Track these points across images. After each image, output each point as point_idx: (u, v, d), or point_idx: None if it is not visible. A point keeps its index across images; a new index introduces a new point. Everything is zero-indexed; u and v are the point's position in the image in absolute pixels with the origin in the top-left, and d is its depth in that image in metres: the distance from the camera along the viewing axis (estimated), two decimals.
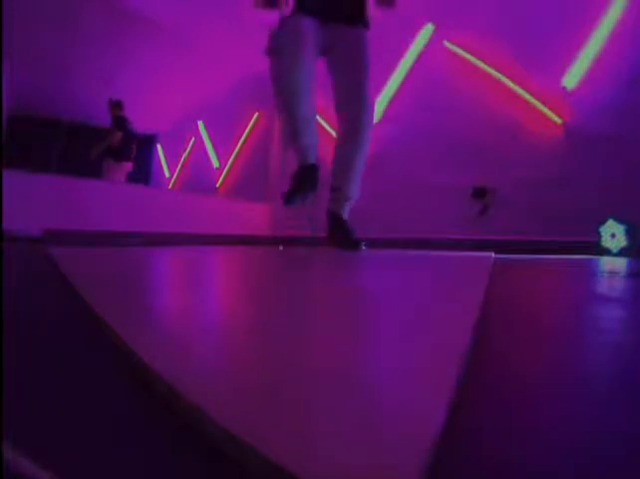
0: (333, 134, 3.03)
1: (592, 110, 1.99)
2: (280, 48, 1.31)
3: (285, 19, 1.37)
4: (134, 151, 3.67)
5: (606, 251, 1.74)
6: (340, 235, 1.45)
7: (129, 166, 3.61)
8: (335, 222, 1.48)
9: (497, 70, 2.34)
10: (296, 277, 0.65)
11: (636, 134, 1.83)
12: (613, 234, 1.73)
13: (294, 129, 1.34)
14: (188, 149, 5.43)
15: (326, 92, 1.48)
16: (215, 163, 4.71)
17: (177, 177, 5.68)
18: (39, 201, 2.29)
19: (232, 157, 4.44)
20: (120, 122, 3.52)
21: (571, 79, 2.07)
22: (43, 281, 0.59)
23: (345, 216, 1.49)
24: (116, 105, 3.57)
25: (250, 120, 4.24)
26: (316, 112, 1.41)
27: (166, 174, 6.00)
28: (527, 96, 2.21)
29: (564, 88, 2.09)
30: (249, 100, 4.19)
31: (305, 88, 1.30)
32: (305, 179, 1.39)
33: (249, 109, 4.22)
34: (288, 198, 1.38)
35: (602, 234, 1.77)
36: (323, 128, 3.04)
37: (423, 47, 2.74)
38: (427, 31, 2.72)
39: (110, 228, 2.46)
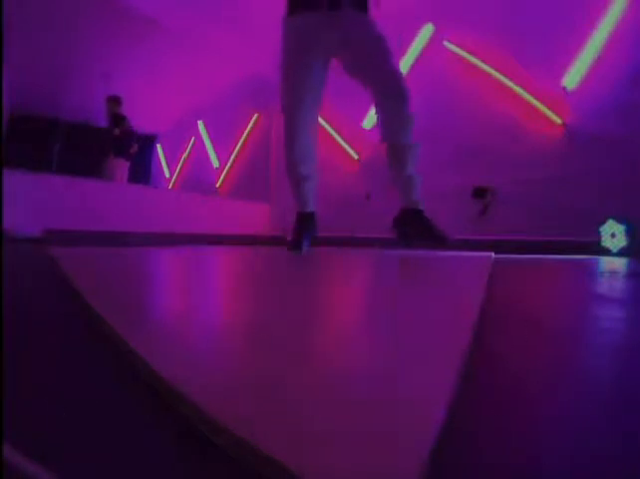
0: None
1: (592, 110, 1.99)
2: (285, 109, 1.36)
3: (284, 32, 1.35)
4: (134, 149, 3.56)
5: (606, 251, 1.73)
6: (421, 228, 1.40)
7: (127, 164, 3.52)
8: (412, 215, 1.44)
9: (498, 70, 2.33)
10: (294, 277, 0.65)
11: (636, 134, 1.83)
12: (613, 233, 1.73)
13: (298, 179, 1.44)
14: (188, 149, 5.43)
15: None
16: (215, 163, 4.71)
17: (177, 177, 5.68)
18: (39, 201, 2.29)
19: (232, 157, 4.44)
20: (118, 120, 3.38)
21: (571, 79, 2.07)
22: (43, 281, 0.59)
23: (420, 206, 1.45)
24: (114, 101, 3.40)
25: (250, 120, 4.24)
26: (317, 157, 1.46)
27: (167, 174, 6.00)
28: (527, 96, 2.21)
29: (564, 88, 2.09)
30: (249, 100, 4.19)
31: (309, 148, 1.40)
32: (305, 225, 1.47)
33: (249, 109, 4.22)
34: (295, 245, 1.42)
35: (602, 234, 1.77)
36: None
37: (423, 47, 2.74)
38: (427, 31, 2.72)
39: (110, 228, 2.46)
